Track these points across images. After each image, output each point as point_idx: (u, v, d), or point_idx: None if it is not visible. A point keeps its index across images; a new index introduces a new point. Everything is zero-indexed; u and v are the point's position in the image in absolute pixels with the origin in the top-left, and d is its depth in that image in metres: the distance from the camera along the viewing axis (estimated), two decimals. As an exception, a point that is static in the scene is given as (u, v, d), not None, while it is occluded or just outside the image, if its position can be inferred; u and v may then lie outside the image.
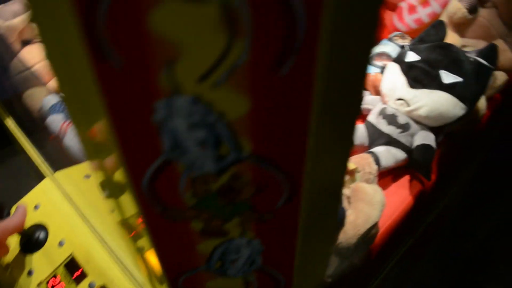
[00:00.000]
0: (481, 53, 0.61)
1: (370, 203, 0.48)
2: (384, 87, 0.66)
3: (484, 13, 0.87)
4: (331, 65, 0.18)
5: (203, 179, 0.23)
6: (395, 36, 0.85)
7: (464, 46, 0.81)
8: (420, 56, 0.62)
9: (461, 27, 0.78)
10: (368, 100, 0.71)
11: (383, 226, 0.59)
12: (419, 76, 0.61)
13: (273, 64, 0.17)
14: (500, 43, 0.82)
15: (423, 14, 0.90)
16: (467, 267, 1.15)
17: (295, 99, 0.19)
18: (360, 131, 0.66)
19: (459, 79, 0.59)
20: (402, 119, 0.63)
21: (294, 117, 0.19)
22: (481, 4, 0.91)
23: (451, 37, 0.77)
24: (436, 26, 0.66)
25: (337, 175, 0.25)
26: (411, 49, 0.64)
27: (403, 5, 0.96)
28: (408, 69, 0.62)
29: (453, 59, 0.60)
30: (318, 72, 0.18)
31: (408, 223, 0.66)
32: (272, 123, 0.20)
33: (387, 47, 0.81)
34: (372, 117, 0.67)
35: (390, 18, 0.96)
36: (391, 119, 0.64)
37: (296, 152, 0.21)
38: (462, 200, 1.12)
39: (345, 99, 0.20)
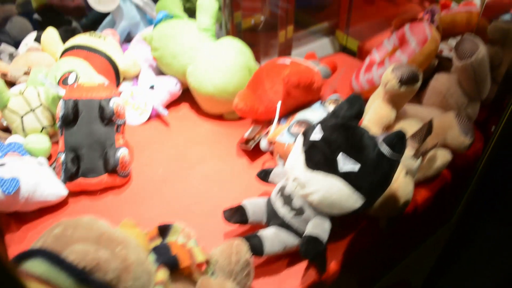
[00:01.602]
0: (386, 139, 0.54)
1: (207, 306, 0.44)
2: (287, 163, 0.60)
3: (443, 79, 0.81)
4: None
5: None
6: (329, 100, 0.79)
7: (403, 118, 0.75)
8: (324, 133, 0.56)
9: (396, 98, 0.70)
10: (277, 172, 0.66)
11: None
12: (317, 157, 0.55)
13: None
14: (450, 117, 0.76)
15: (376, 75, 0.86)
16: None
17: None
18: (259, 207, 0.61)
19: (356, 166, 0.53)
20: (297, 202, 0.58)
21: None
22: (443, 69, 0.85)
23: (382, 109, 0.70)
24: (351, 100, 0.59)
25: None
26: (320, 123, 0.59)
27: (366, 61, 0.93)
28: (309, 148, 0.57)
29: (355, 142, 0.54)
30: None
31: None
32: None
33: (314, 113, 0.75)
34: (273, 193, 0.62)
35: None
36: (287, 200, 0.59)
37: None
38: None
39: None
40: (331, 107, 0.76)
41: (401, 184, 0.64)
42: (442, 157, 0.73)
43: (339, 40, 1.22)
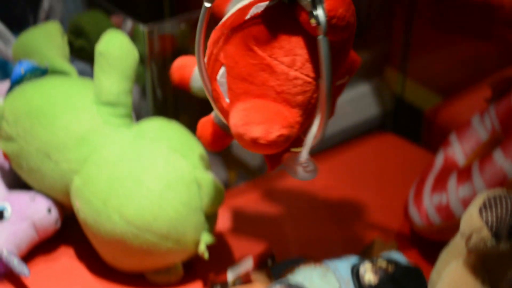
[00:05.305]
0: None
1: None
2: None
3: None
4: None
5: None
6: (372, 262, 0.78)
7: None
8: None
9: (493, 263, 0.72)
10: None
11: None
12: None
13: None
14: None
15: (455, 198, 0.86)
16: None
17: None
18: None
19: None
20: None
21: None
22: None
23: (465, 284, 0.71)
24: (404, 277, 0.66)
25: None
26: None
27: (437, 160, 0.95)
28: None
29: None
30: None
31: None
32: None
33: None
34: None
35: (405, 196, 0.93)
36: None
37: None
38: None
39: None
40: (369, 275, 0.77)
41: None
42: None
43: (391, 85, 1.25)
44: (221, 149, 0.83)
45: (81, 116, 0.86)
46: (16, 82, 0.88)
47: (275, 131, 0.70)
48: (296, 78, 0.72)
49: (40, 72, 0.89)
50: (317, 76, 0.72)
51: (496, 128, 0.89)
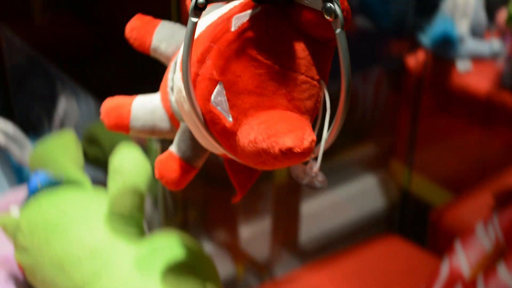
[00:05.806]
0: None
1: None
2: None
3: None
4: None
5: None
6: None
7: None
8: None
9: None
10: None
11: None
12: None
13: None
14: None
15: None
16: None
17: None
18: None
19: None
20: None
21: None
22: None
23: None
24: None
25: None
26: None
27: (443, 270, 0.94)
28: None
29: None
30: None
31: None
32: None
33: None
34: None
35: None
36: None
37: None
38: None
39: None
40: None
41: None
42: None
43: (396, 178, 1.26)
44: (184, 186, 0.74)
45: (94, 229, 0.86)
46: (33, 192, 0.90)
47: (307, 137, 0.64)
48: (303, 82, 0.69)
49: (54, 183, 0.90)
50: (320, 78, 0.68)
51: (500, 239, 0.87)
